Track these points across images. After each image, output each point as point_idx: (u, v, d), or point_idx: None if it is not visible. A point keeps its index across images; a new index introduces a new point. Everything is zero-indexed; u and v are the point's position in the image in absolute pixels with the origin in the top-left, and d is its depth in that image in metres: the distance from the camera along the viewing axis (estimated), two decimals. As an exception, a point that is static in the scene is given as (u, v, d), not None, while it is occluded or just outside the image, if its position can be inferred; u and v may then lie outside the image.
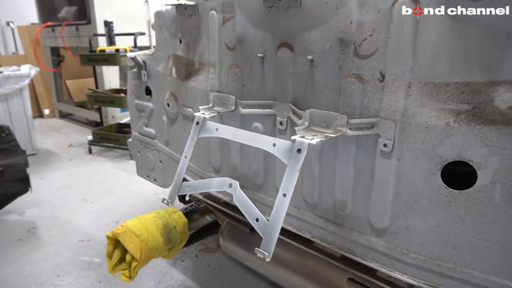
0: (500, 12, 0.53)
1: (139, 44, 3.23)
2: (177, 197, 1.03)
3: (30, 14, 4.86)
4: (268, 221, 0.64)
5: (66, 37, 3.94)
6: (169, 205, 0.91)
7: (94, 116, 4.09)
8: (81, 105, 4.54)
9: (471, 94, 0.58)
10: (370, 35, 0.66)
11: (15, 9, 5.58)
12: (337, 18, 0.69)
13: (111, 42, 3.27)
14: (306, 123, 0.71)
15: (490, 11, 0.54)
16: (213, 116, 0.85)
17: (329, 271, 0.92)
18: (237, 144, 0.91)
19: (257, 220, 0.67)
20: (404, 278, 0.72)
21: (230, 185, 0.75)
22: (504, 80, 0.55)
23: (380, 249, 0.74)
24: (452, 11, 0.57)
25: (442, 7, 0.57)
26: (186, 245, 1.87)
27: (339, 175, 0.76)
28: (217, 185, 0.78)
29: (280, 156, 0.68)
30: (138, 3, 3.89)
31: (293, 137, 0.66)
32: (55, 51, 4.40)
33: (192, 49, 1.05)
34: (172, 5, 1.01)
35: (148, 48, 3.77)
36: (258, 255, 0.62)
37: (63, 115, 4.79)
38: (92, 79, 4.71)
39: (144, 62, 1.28)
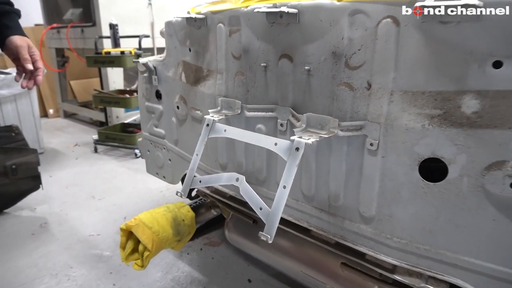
0: (464, 33, 0.64)
1: (143, 45, 3.33)
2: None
3: (34, 15, 4.95)
4: (270, 209, 0.75)
5: (71, 39, 4.03)
6: (183, 197, 1.01)
7: (98, 116, 4.19)
8: (85, 105, 4.65)
9: (443, 101, 0.69)
10: (359, 50, 0.76)
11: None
12: (330, 34, 0.80)
13: (116, 44, 3.37)
14: (304, 125, 0.82)
15: (457, 32, 0.64)
16: (221, 119, 0.96)
17: (324, 257, 1.03)
18: (243, 143, 1.02)
19: (260, 208, 0.77)
20: (389, 260, 0.82)
21: (237, 179, 0.85)
22: (469, 90, 0.66)
23: (368, 235, 0.85)
24: (426, 31, 0.68)
25: (418, 28, 0.68)
26: (192, 239, 1.97)
27: (332, 170, 0.87)
28: (225, 179, 0.89)
29: (281, 154, 0.79)
30: (141, 5, 3.97)
31: (292, 137, 0.77)
32: (59, 52, 4.50)
33: (201, 57, 1.16)
34: (183, 17, 1.11)
35: (151, 49, 3.88)
36: (262, 238, 0.73)
37: (67, 115, 4.88)
38: (95, 80, 4.81)
39: (154, 67, 1.38)
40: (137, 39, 3.37)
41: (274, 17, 0.85)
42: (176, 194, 1.03)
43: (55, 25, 4.18)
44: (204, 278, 1.77)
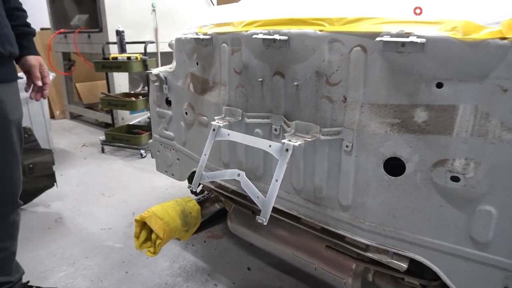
0: (414, 61, 0.82)
1: (147, 50, 3.51)
2: (189, 191, 1.32)
3: (39, 19, 5.12)
4: (265, 198, 0.94)
5: (78, 44, 4.19)
6: (194, 189, 1.20)
7: (103, 117, 4.37)
8: (90, 106, 4.82)
9: (400, 113, 0.87)
10: (337, 70, 0.95)
11: (26, 14, 5.82)
12: (314, 57, 0.98)
13: (122, 50, 3.55)
14: (293, 131, 1.00)
15: (409, 60, 0.83)
16: (225, 124, 1.14)
17: (312, 241, 1.21)
18: (243, 145, 1.20)
19: (257, 198, 0.96)
20: (363, 240, 1.01)
21: (238, 175, 1.04)
22: (419, 104, 0.85)
23: (346, 220, 1.03)
24: (387, 58, 0.86)
25: (381, 55, 0.87)
26: (196, 232, 2.15)
27: (317, 167, 1.05)
28: (229, 175, 1.07)
29: (274, 154, 0.98)
30: (146, 12, 4.14)
31: (283, 141, 0.95)
32: (66, 56, 4.67)
33: (207, 70, 1.35)
34: (191, 37, 1.30)
35: (155, 54, 4.06)
36: (259, 220, 0.92)
37: (73, 116, 5.05)
38: (100, 82, 5.00)
39: (165, 77, 1.57)
40: (140, 44, 3.55)
41: (269, 42, 1.03)
42: (188, 187, 1.21)
43: (62, 30, 4.34)
44: (208, 266, 1.95)
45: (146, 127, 3.84)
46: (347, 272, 1.14)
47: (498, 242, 0.81)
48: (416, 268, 1.03)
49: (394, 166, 0.92)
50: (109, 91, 3.89)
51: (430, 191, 0.87)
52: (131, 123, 3.96)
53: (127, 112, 4.02)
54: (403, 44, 0.79)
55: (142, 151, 3.49)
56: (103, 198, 2.72)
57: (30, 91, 1.40)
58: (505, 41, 0.72)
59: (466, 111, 0.80)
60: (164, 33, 4.20)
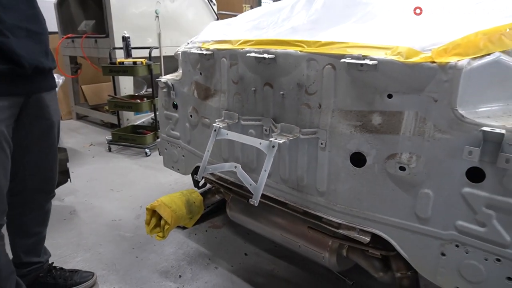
0: (371, 77, 1.06)
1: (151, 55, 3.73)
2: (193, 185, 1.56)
3: (48, 24, 5.31)
4: (256, 184, 1.18)
5: (85, 48, 4.41)
6: (198, 179, 1.44)
7: (109, 118, 4.59)
8: (95, 107, 5.05)
9: (362, 117, 1.11)
10: (313, 83, 1.19)
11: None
12: (296, 71, 1.22)
13: (128, 54, 3.77)
14: (279, 131, 1.25)
15: (367, 76, 1.07)
16: (224, 126, 1.39)
17: (296, 223, 1.45)
18: (239, 143, 1.44)
19: (250, 185, 1.20)
20: (336, 219, 1.25)
21: (235, 167, 1.28)
22: (376, 110, 1.09)
23: (322, 204, 1.27)
24: (351, 74, 1.10)
25: (346, 72, 1.11)
26: (198, 222, 2.38)
27: (299, 161, 1.29)
28: (227, 167, 1.31)
29: (263, 150, 1.22)
30: (149, 17, 4.36)
31: (270, 139, 1.20)
32: (73, 60, 4.89)
33: (209, 79, 1.59)
34: (196, 52, 1.54)
35: (158, 58, 4.29)
36: (251, 202, 1.16)
37: (79, 117, 5.27)
38: (105, 84, 5.23)
39: (172, 85, 1.81)
40: (144, 49, 3.78)
41: (260, 59, 1.27)
42: (194, 177, 1.46)
43: (70, 35, 4.56)
44: (209, 252, 2.18)
45: (150, 127, 4.07)
46: (325, 248, 1.39)
47: (435, 217, 1.05)
48: (380, 242, 1.27)
49: (358, 159, 1.16)
50: (115, 94, 4.11)
51: (385, 178, 1.11)
52: (136, 123, 4.19)
53: (132, 113, 4.25)
54: (361, 64, 1.03)
55: (147, 150, 3.71)
56: (112, 193, 2.94)
57: None
58: (434, 64, 0.96)
59: (409, 116, 1.04)
60: (167, 38, 4.43)
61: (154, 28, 4.38)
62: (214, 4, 5.18)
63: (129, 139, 3.74)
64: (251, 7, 12.60)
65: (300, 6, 2.06)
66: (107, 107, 4.21)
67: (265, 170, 1.17)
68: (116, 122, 4.29)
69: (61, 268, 1.80)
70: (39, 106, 1.37)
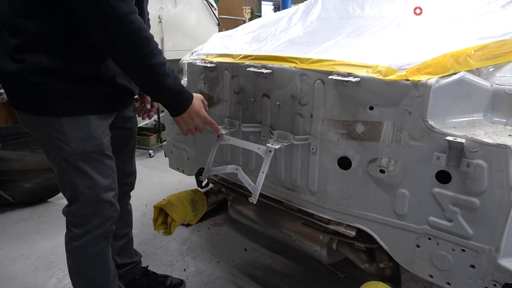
0: (355, 91, 1.22)
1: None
2: (196, 185, 1.72)
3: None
4: (255, 184, 1.33)
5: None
6: (203, 180, 1.60)
7: (113, 120, 4.74)
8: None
9: (347, 126, 1.27)
10: (306, 95, 1.35)
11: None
12: (290, 85, 1.38)
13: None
14: (275, 137, 1.40)
15: (352, 91, 1.22)
16: (227, 132, 1.54)
17: (291, 219, 1.61)
18: (240, 148, 1.60)
19: (250, 185, 1.36)
20: (325, 216, 1.41)
21: (237, 169, 1.43)
22: (359, 120, 1.24)
23: (314, 202, 1.43)
24: (337, 88, 1.26)
25: (334, 87, 1.26)
26: (201, 220, 2.54)
27: (293, 164, 1.45)
28: (229, 169, 1.47)
29: (261, 154, 1.37)
30: (153, 23, 4.51)
31: (267, 145, 1.35)
32: (79, 64, 5.03)
33: (212, 89, 1.74)
34: (200, 64, 1.70)
35: (161, 62, 4.43)
36: (250, 200, 1.31)
37: (84, 119, 5.41)
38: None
39: (178, 93, 1.96)
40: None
41: (258, 73, 1.43)
42: (199, 178, 1.61)
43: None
44: (211, 248, 2.33)
45: (153, 129, 4.23)
46: (316, 242, 1.54)
47: (411, 214, 1.21)
48: (364, 236, 1.43)
49: (344, 163, 1.31)
50: (120, 97, 4.25)
51: (368, 180, 1.27)
52: (139, 125, 4.34)
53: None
54: (346, 81, 1.19)
55: (151, 151, 3.87)
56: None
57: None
58: (408, 81, 1.11)
59: (388, 126, 1.19)
60: (169, 42, 4.58)
61: (157, 33, 4.52)
62: (215, 9, 5.33)
63: (134, 140, 3.87)
64: (251, 9, 12.73)
65: (297, 18, 2.23)
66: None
67: (263, 172, 1.32)
68: (120, 124, 4.43)
69: (154, 273, 1.91)
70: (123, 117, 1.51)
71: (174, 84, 1.21)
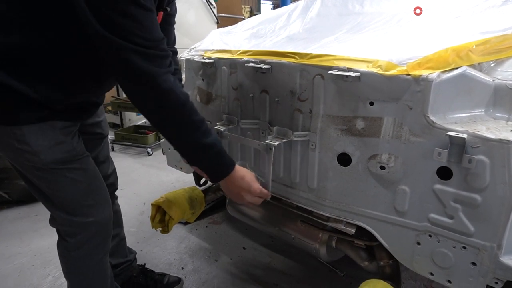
0: (355, 86, 1.20)
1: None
2: (193, 183, 1.69)
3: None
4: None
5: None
6: (201, 178, 1.58)
7: (111, 118, 4.71)
8: (99, 108, 5.16)
9: (347, 121, 1.25)
10: (305, 91, 1.33)
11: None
12: (289, 80, 1.36)
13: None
14: (274, 133, 1.39)
15: (351, 86, 1.20)
16: (225, 129, 1.52)
17: (290, 217, 1.59)
18: (239, 144, 1.58)
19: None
20: (325, 213, 1.39)
21: (245, 165, 1.42)
22: (359, 116, 1.22)
23: (313, 199, 1.41)
24: (337, 83, 1.24)
25: (333, 82, 1.24)
26: (199, 218, 2.52)
27: (292, 160, 1.43)
28: (227, 166, 1.45)
29: (261, 150, 1.36)
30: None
31: (266, 141, 1.33)
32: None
33: (211, 85, 1.72)
34: (198, 60, 1.68)
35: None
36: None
37: (82, 117, 5.39)
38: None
39: (176, 89, 1.94)
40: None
41: (257, 68, 1.41)
42: (195, 176, 1.59)
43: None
44: (209, 246, 2.32)
45: (151, 128, 4.20)
46: (315, 240, 1.53)
47: (411, 211, 1.19)
48: (364, 234, 1.41)
49: (344, 159, 1.30)
50: (118, 95, 4.25)
51: (367, 176, 1.25)
52: (138, 123, 4.33)
53: (134, 113, 4.38)
54: (346, 76, 1.17)
55: (149, 150, 3.85)
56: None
57: None
58: (409, 76, 1.10)
59: (388, 121, 1.18)
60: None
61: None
62: (214, 7, 5.31)
63: (132, 139, 3.87)
64: (250, 8, 12.71)
65: (296, 14, 2.21)
66: (110, 108, 4.33)
67: (269, 170, 1.31)
68: (118, 122, 4.42)
69: (151, 271, 1.90)
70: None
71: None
